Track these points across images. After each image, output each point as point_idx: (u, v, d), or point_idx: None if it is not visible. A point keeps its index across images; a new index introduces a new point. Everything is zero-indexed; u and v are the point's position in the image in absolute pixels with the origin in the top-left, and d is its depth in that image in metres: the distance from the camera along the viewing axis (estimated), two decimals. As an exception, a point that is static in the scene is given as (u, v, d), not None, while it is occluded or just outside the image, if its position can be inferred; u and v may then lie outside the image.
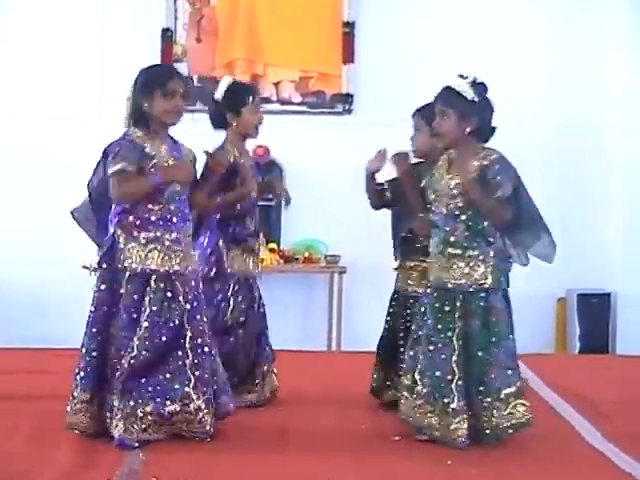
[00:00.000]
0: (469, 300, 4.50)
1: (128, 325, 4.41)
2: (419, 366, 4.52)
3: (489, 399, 4.48)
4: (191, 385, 4.42)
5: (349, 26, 7.50)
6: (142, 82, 4.51)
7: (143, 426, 4.38)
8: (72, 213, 4.71)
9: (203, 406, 4.43)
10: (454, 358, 4.46)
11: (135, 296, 4.43)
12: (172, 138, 4.60)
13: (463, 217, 4.51)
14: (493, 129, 4.63)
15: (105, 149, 4.52)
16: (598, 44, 7.68)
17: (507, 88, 7.58)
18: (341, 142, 7.19)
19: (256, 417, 4.93)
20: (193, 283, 4.53)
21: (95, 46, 7.45)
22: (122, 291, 4.45)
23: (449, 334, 4.47)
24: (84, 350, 4.47)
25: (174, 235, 4.49)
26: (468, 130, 4.51)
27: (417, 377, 4.51)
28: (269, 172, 7.28)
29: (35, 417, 4.81)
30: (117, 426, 4.36)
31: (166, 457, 4.29)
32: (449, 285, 4.52)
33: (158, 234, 4.46)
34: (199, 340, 4.47)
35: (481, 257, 4.51)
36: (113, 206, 4.51)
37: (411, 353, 4.58)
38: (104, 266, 4.49)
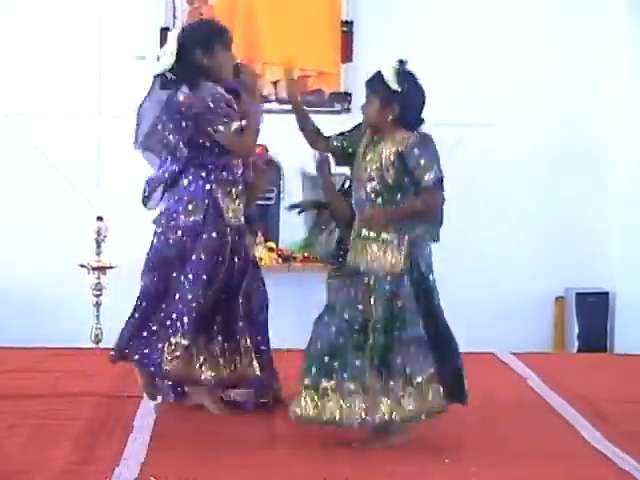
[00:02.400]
0: (377, 284, 4.46)
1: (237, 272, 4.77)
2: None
3: (396, 382, 4.42)
4: None
5: (348, 25, 7.49)
6: (200, 38, 4.61)
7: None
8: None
9: None
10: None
11: (236, 248, 4.74)
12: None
13: (379, 200, 4.51)
14: (420, 120, 4.58)
15: (191, 105, 4.58)
16: (599, 44, 7.67)
17: (507, 87, 7.61)
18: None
19: (256, 416, 4.92)
20: None
21: (93, 45, 7.43)
22: (228, 245, 4.69)
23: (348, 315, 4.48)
24: (189, 296, 4.64)
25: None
26: (391, 118, 4.52)
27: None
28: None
29: (32, 416, 4.81)
30: None
31: (165, 456, 4.30)
32: (361, 268, 4.51)
33: (241, 187, 4.76)
34: None
35: (395, 242, 4.49)
36: (192, 163, 4.67)
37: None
38: (209, 223, 4.65)
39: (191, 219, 4.66)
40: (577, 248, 7.62)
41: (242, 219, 4.80)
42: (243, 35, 7.47)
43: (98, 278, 6.90)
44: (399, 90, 4.50)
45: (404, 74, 4.54)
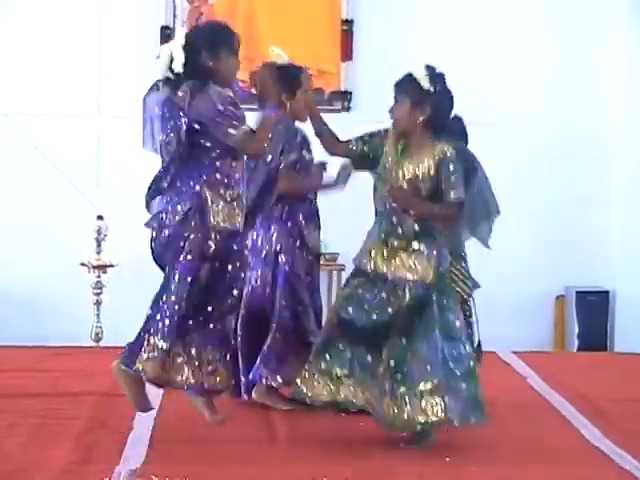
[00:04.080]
0: (408, 292, 4.49)
1: (229, 279, 4.53)
2: None
3: (403, 389, 4.44)
4: None
5: (348, 24, 7.50)
6: (209, 41, 4.56)
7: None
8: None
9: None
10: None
11: (224, 253, 4.50)
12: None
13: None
14: (447, 123, 4.63)
15: (194, 105, 4.48)
16: (599, 44, 7.67)
17: (507, 87, 7.60)
18: (339, 140, 7.22)
19: (255, 415, 4.93)
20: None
21: (93, 44, 7.43)
22: (213, 248, 4.48)
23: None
24: (173, 298, 4.45)
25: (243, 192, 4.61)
26: (421, 119, 4.53)
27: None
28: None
29: (32, 415, 4.81)
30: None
31: (165, 455, 4.30)
32: (389, 276, 4.52)
33: (240, 192, 4.56)
34: None
35: (425, 252, 4.51)
36: (187, 163, 4.52)
37: None
38: (193, 224, 4.47)
39: (177, 219, 4.51)
40: (577, 248, 7.62)
41: (239, 224, 4.58)
42: (243, 34, 7.43)
43: (98, 277, 6.90)
44: (431, 90, 4.50)
45: (436, 75, 4.54)
